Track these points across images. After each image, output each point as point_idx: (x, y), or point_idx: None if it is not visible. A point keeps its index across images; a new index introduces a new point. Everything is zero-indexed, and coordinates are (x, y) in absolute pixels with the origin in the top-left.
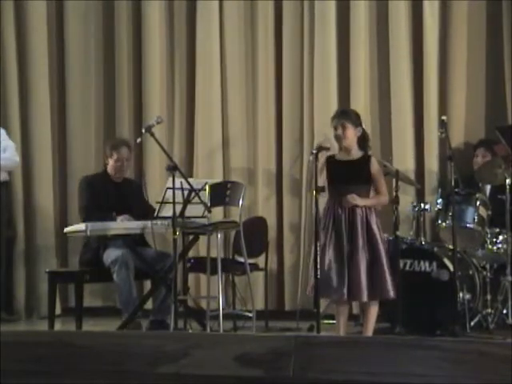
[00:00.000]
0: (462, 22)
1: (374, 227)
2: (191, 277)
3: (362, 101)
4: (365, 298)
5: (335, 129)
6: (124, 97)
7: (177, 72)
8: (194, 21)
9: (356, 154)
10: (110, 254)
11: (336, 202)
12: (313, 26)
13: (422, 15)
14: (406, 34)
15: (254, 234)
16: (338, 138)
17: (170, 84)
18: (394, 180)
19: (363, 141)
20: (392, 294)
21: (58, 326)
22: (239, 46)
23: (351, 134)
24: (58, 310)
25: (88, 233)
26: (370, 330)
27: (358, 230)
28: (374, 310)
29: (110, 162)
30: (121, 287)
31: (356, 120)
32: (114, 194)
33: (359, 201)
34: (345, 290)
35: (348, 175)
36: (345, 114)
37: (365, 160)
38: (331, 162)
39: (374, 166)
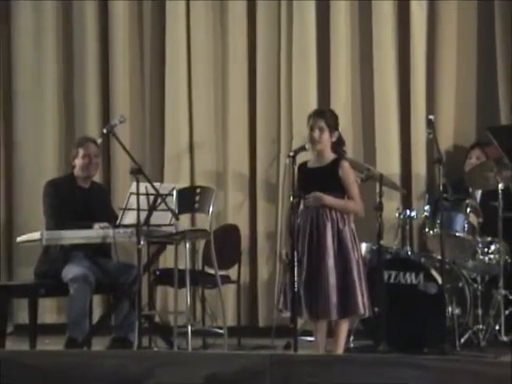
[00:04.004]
0: (451, 18)
1: (347, 237)
2: (157, 290)
3: (342, 98)
4: (334, 317)
5: (311, 129)
6: (90, 98)
7: (146, 71)
8: (163, 21)
9: (328, 158)
10: (71, 270)
11: (304, 212)
12: (291, 26)
13: (408, 13)
14: (391, 31)
15: (226, 244)
16: (313, 141)
17: (139, 84)
18: (377, 185)
19: (338, 145)
20: (362, 310)
21: (9, 345)
22: (208, 45)
23: (326, 139)
24: (9, 328)
25: (44, 242)
26: (340, 347)
27: (326, 240)
28: (344, 326)
29: (77, 162)
30: (74, 303)
31: (334, 123)
32: (81, 201)
33: (326, 199)
34: (310, 309)
35: (319, 183)
36: (323, 116)
37: (335, 164)
38: (302, 170)
39: (343, 170)
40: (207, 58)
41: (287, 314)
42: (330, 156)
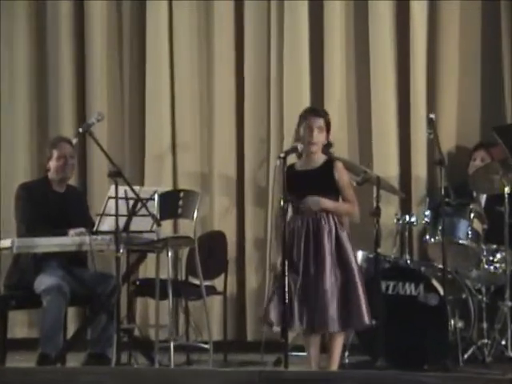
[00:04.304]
0: (454, 13)
1: (346, 242)
2: (137, 302)
3: (337, 96)
4: (335, 329)
5: (310, 129)
6: (64, 97)
7: (125, 68)
8: (143, 21)
9: (319, 160)
10: (44, 281)
11: (297, 217)
12: (281, 23)
13: (407, 7)
14: (389, 27)
15: (211, 252)
16: (310, 142)
17: (118, 82)
18: (374, 188)
19: (327, 147)
20: (367, 320)
21: None
22: (192, 43)
23: (322, 140)
24: None
25: (14, 250)
26: (335, 363)
27: (324, 247)
28: (340, 340)
29: (52, 164)
30: (47, 316)
31: (329, 124)
32: (55, 206)
33: (324, 202)
34: (304, 321)
35: (312, 186)
36: (322, 115)
37: (328, 165)
38: (291, 173)
39: (339, 171)
40: (191, 55)
41: (278, 329)
42: (321, 158)
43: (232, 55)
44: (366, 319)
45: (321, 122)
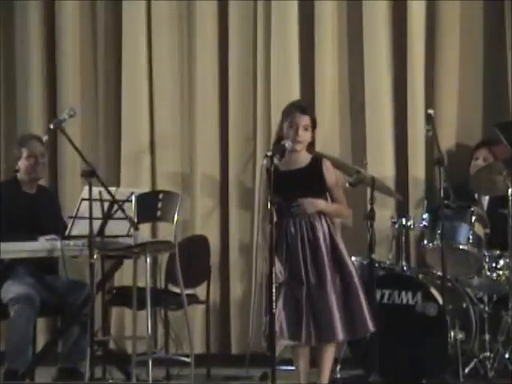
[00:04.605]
0: (454, 6)
1: (341, 246)
2: (113, 312)
3: (328, 91)
4: (340, 338)
5: (296, 127)
6: (33, 91)
7: (99, 62)
8: (119, 16)
9: (304, 160)
10: (11, 289)
11: (288, 221)
12: (269, 18)
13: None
14: (384, 18)
15: (193, 258)
16: (295, 140)
17: (91, 75)
18: (368, 190)
19: (311, 145)
20: (371, 327)
21: None
22: (171, 39)
23: (308, 139)
24: None
25: None
26: (326, 377)
27: (322, 252)
28: (331, 352)
29: (21, 164)
30: (15, 328)
31: (315, 122)
32: (26, 208)
33: (320, 204)
34: (303, 332)
35: (300, 187)
36: (309, 112)
37: (315, 164)
38: (275, 174)
39: (328, 170)
40: (171, 50)
41: (286, 341)
42: (306, 156)
43: (215, 49)
44: (371, 325)
45: (307, 119)
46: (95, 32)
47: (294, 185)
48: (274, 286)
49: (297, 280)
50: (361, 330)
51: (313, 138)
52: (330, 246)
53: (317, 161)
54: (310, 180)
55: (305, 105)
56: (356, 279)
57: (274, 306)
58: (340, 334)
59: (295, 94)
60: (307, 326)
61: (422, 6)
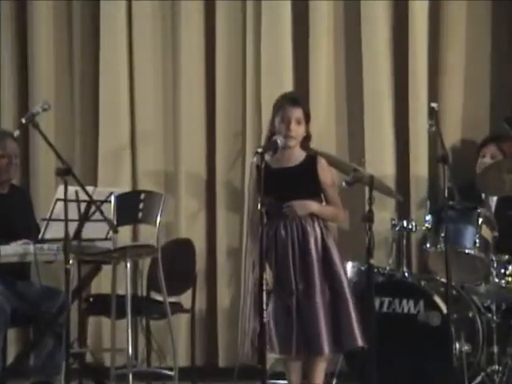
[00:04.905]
0: None
1: (334, 252)
2: (90, 321)
3: (323, 82)
4: (325, 351)
5: (288, 121)
6: (5, 87)
7: (75, 51)
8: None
9: (298, 157)
10: None
11: (279, 223)
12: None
13: None
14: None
15: (177, 263)
16: (287, 135)
17: (66, 67)
18: (366, 189)
19: (306, 140)
20: (360, 341)
21: None
22: (154, 34)
23: (301, 133)
24: None
25: None
26: None
27: (312, 258)
28: (323, 364)
29: None
30: None
31: (309, 114)
32: None
33: (313, 206)
34: (294, 346)
35: (292, 187)
36: (301, 104)
37: (310, 162)
38: (265, 172)
39: (323, 169)
40: (153, 41)
41: (277, 355)
42: (300, 153)
43: (202, 41)
44: (359, 340)
45: (299, 112)
46: (71, 31)
47: (286, 184)
48: (264, 294)
49: (286, 287)
50: (348, 344)
51: (307, 132)
52: (321, 251)
53: (311, 158)
54: (304, 179)
55: (297, 96)
56: (346, 289)
57: (265, 316)
58: (326, 347)
59: (288, 85)
60: (297, 338)
61: None
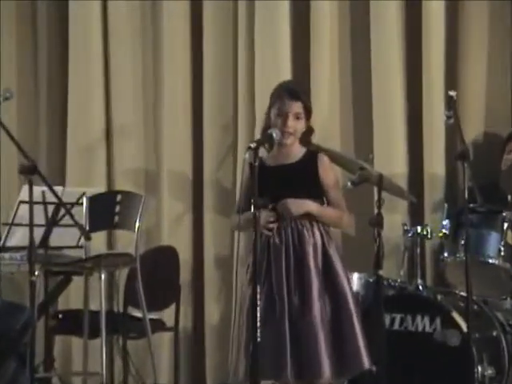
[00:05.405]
0: None
1: (336, 261)
2: (58, 341)
3: (326, 70)
4: (326, 373)
5: (285, 115)
6: None
7: (41, 32)
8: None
9: (297, 153)
10: None
11: (274, 229)
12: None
13: None
14: None
15: (159, 274)
16: (284, 131)
17: (31, 52)
18: (375, 190)
19: (307, 135)
20: (367, 363)
21: None
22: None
23: (301, 129)
24: None
25: None
26: None
27: (309, 268)
28: None
29: None
30: None
31: (310, 108)
32: None
33: (311, 206)
34: (288, 368)
35: (288, 186)
36: (300, 97)
37: (310, 159)
38: (260, 169)
39: (324, 167)
40: (132, 22)
41: (269, 381)
42: (299, 150)
43: (187, 24)
44: (366, 361)
45: (298, 106)
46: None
47: (282, 183)
48: (258, 311)
49: (279, 303)
50: (353, 366)
51: (309, 127)
52: (321, 261)
53: (312, 155)
54: (303, 178)
55: (297, 88)
56: (351, 304)
57: (258, 334)
58: (326, 369)
59: (286, 71)
60: (292, 362)
61: None
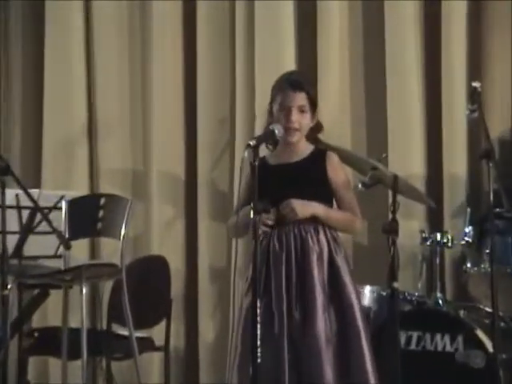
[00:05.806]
0: None
1: (344, 271)
2: (34, 363)
3: (336, 63)
4: None
5: (288, 109)
6: None
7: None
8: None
9: (304, 151)
10: None
11: (273, 234)
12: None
13: None
14: None
15: (147, 287)
16: (288, 127)
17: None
18: (389, 193)
19: (315, 131)
20: (372, 380)
21: None
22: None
23: (307, 124)
24: None
25: None
26: None
27: (313, 278)
28: None
29: None
30: None
31: (316, 100)
32: None
33: (318, 208)
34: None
35: (292, 187)
36: (305, 88)
37: (318, 157)
38: (262, 168)
39: (333, 166)
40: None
41: None
42: (305, 147)
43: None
44: (371, 379)
45: (302, 98)
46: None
47: (286, 184)
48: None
49: (278, 319)
50: (358, 381)
51: (317, 122)
52: (327, 271)
53: (320, 153)
54: (309, 177)
55: (301, 78)
56: (359, 321)
57: (259, 353)
58: (330, 381)
59: (289, 63)
60: (291, 377)
61: None
